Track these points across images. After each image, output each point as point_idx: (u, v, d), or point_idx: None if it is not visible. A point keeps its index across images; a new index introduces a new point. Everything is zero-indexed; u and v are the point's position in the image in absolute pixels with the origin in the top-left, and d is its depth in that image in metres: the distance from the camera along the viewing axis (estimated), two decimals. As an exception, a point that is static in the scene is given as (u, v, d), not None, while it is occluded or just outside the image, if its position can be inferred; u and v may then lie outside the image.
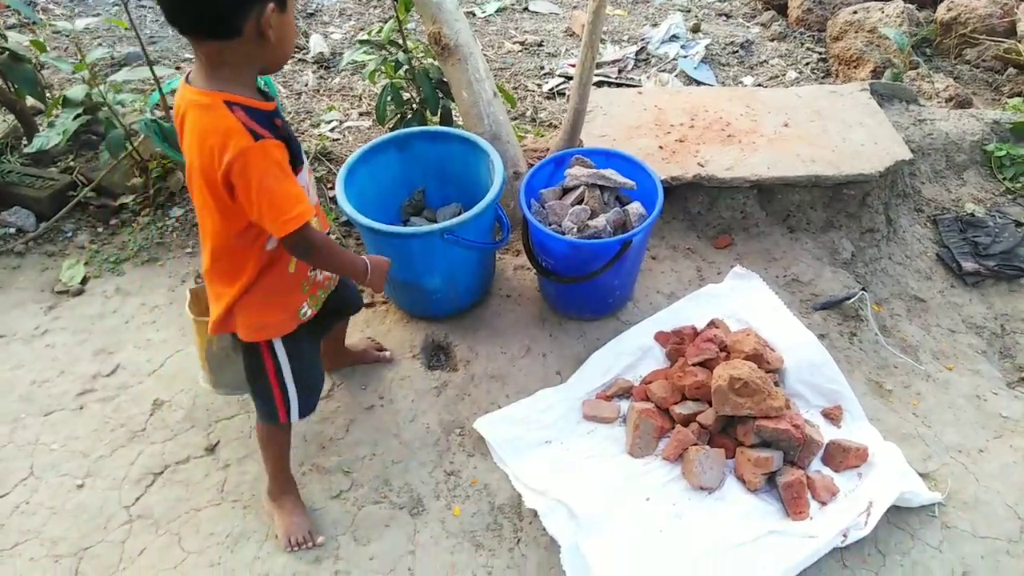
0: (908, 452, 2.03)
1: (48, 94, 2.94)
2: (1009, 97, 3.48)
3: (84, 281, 2.59)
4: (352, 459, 2.04)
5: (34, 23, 4.01)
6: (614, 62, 4.30)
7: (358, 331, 2.39)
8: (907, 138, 2.82)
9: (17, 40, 2.84)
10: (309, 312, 1.67)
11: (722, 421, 2.02)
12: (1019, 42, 3.69)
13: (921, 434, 2.11)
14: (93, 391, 2.22)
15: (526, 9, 5.07)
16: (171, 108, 2.89)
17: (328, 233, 1.77)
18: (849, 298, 2.41)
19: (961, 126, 2.99)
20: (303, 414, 1.79)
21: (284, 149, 1.36)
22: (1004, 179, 2.92)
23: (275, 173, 1.33)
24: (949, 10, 4.06)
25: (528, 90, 4.03)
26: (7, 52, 2.76)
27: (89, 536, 1.86)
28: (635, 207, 2.23)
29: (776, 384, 2.10)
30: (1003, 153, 2.91)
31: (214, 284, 1.57)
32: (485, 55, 4.36)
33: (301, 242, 1.43)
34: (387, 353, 2.29)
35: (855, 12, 4.03)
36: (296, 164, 1.43)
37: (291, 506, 1.87)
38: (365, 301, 2.50)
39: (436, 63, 2.71)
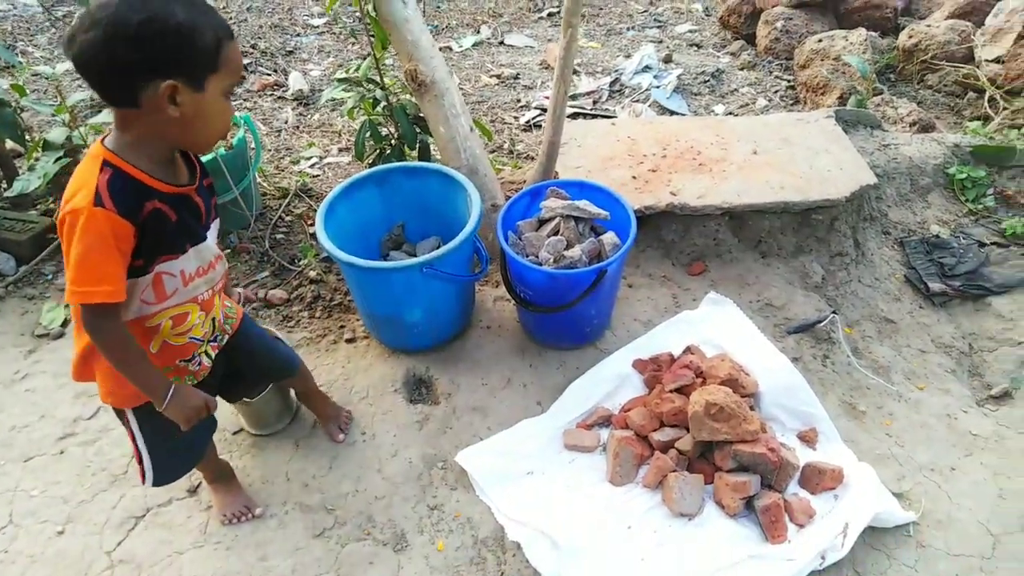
0: (882, 472, 2.06)
1: (28, 137, 2.96)
2: (970, 120, 3.59)
3: (64, 324, 2.59)
4: (335, 496, 2.05)
5: (13, 67, 4.04)
6: (589, 93, 4.39)
7: (339, 366, 2.41)
8: (872, 163, 2.90)
9: (-4, 85, 2.87)
10: None
11: (700, 447, 2.06)
12: (977, 67, 3.82)
13: (894, 454, 2.16)
14: (74, 435, 2.21)
15: (502, 43, 5.17)
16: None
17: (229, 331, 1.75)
18: (820, 321, 2.46)
19: (924, 150, 3.08)
20: (158, 483, 1.75)
21: (124, 229, 1.29)
22: (966, 201, 3.00)
23: (93, 243, 1.26)
24: (910, 37, 4.19)
25: (505, 123, 4.10)
26: (-14, 97, 2.78)
27: (70, 582, 1.85)
28: (609, 237, 2.27)
29: (752, 408, 2.14)
30: (964, 176, 3.00)
31: (76, 327, 1.50)
32: (462, 89, 4.44)
33: (89, 323, 1.37)
34: (342, 436, 2.19)
35: (820, 41, 4.15)
36: (162, 251, 1.40)
37: (224, 487, 2.01)
38: (347, 337, 2.52)
39: (413, 99, 2.76)
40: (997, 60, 3.80)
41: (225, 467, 2.02)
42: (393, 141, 2.92)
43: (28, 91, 3.07)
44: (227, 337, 1.75)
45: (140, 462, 1.70)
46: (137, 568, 1.88)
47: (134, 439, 1.67)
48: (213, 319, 1.63)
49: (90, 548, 1.91)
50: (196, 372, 1.65)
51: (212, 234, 1.54)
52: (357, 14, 4.31)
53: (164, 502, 2.03)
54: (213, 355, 1.69)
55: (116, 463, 2.13)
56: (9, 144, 2.98)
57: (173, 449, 1.74)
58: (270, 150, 3.66)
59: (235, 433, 2.20)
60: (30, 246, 2.80)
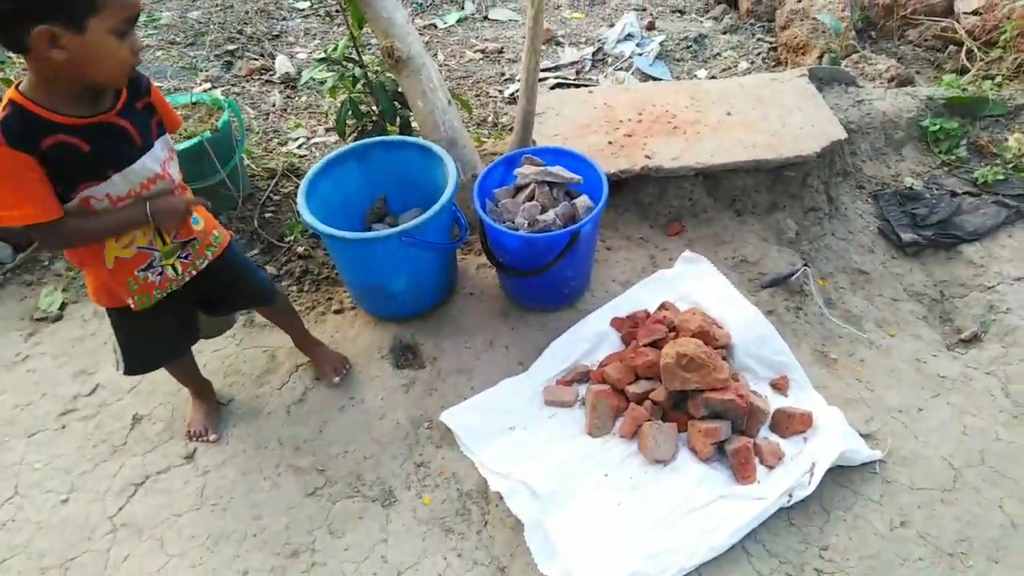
0: (852, 415, 2.14)
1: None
2: (949, 73, 3.61)
3: (63, 307, 2.68)
4: (325, 458, 2.14)
5: (2, 63, 4.10)
6: (572, 64, 4.42)
7: (328, 336, 2.48)
8: (846, 119, 2.95)
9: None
10: (133, 306, 1.79)
11: (674, 397, 2.13)
12: (956, 20, 3.83)
13: (864, 398, 2.23)
14: (75, 411, 2.31)
15: (486, 18, 5.20)
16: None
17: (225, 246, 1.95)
18: (793, 274, 2.52)
19: (897, 104, 3.12)
20: (128, 371, 2.01)
21: (20, 158, 1.40)
22: (939, 152, 3.04)
23: (1, 176, 1.40)
24: (889, -8, 4.20)
25: (490, 96, 4.15)
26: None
27: (75, 547, 1.96)
28: (583, 200, 2.34)
29: (725, 359, 2.22)
30: (937, 128, 3.03)
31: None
32: (447, 64, 4.49)
33: (39, 242, 1.63)
34: (337, 379, 2.33)
35: (799, 1, 4.16)
36: (80, 179, 1.50)
37: (195, 403, 2.24)
38: (335, 308, 2.61)
39: (392, 76, 2.82)
40: (975, 12, 3.81)
41: (204, 385, 2.25)
42: (374, 118, 2.98)
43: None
44: (206, 261, 1.90)
45: (115, 353, 1.96)
46: (138, 531, 1.98)
47: (113, 333, 1.92)
48: (157, 229, 1.72)
49: (93, 514, 2.02)
50: (161, 284, 1.80)
51: (150, 157, 1.60)
52: (338, -5, 4.35)
53: (163, 469, 2.13)
54: (181, 272, 1.84)
55: (116, 435, 2.22)
56: None
57: (140, 346, 1.97)
58: (258, 132, 3.72)
59: (227, 403, 2.29)
60: (25, 234, 2.88)
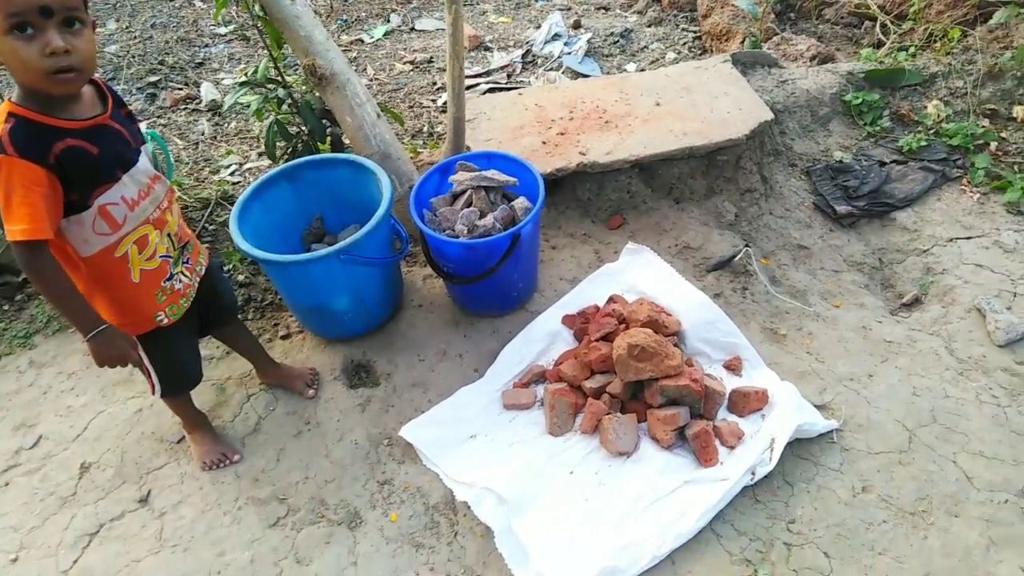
0: (805, 388, 2.18)
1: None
2: (867, 48, 3.72)
3: (-5, 359, 2.57)
4: (286, 486, 2.09)
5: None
6: (503, 68, 4.44)
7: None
8: (772, 100, 3.01)
9: None
10: (166, 320, 1.81)
11: (630, 388, 2.14)
12: (868, -4, 3.96)
13: (815, 370, 2.27)
14: (17, 466, 2.21)
15: (413, 29, 5.18)
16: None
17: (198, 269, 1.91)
18: (735, 256, 2.56)
19: (820, 81, 3.20)
20: (166, 394, 2.01)
21: (30, 170, 1.40)
22: (864, 124, 3.14)
23: (10, 187, 1.39)
24: (803, -25, 4.31)
25: (423, 107, 4.13)
26: None
27: (30, 607, 1.87)
28: (520, 202, 2.34)
29: (677, 346, 2.24)
30: (860, 101, 3.12)
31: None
32: (378, 78, 4.45)
33: (20, 260, 1.48)
34: (311, 392, 2.32)
35: (718, -11, 4.25)
36: (95, 183, 1.52)
37: (201, 436, 2.15)
38: (281, 334, 2.55)
39: (317, 94, 2.78)
40: (885, -13, 3.95)
41: (202, 417, 2.18)
42: (304, 138, 2.93)
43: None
44: (203, 266, 1.94)
45: (149, 377, 1.92)
46: (95, 583, 1.90)
47: (142, 359, 1.85)
48: (169, 235, 1.76)
49: (46, 570, 1.93)
50: (183, 291, 1.84)
51: (143, 158, 1.65)
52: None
53: (117, 515, 2.05)
54: (191, 276, 1.86)
55: (64, 486, 2.14)
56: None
57: (172, 368, 1.96)
58: (188, 163, 3.63)
59: (178, 441, 2.22)
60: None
